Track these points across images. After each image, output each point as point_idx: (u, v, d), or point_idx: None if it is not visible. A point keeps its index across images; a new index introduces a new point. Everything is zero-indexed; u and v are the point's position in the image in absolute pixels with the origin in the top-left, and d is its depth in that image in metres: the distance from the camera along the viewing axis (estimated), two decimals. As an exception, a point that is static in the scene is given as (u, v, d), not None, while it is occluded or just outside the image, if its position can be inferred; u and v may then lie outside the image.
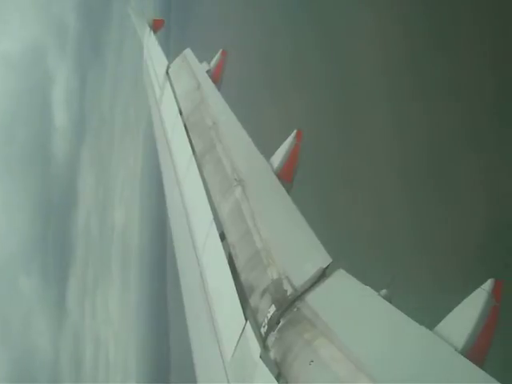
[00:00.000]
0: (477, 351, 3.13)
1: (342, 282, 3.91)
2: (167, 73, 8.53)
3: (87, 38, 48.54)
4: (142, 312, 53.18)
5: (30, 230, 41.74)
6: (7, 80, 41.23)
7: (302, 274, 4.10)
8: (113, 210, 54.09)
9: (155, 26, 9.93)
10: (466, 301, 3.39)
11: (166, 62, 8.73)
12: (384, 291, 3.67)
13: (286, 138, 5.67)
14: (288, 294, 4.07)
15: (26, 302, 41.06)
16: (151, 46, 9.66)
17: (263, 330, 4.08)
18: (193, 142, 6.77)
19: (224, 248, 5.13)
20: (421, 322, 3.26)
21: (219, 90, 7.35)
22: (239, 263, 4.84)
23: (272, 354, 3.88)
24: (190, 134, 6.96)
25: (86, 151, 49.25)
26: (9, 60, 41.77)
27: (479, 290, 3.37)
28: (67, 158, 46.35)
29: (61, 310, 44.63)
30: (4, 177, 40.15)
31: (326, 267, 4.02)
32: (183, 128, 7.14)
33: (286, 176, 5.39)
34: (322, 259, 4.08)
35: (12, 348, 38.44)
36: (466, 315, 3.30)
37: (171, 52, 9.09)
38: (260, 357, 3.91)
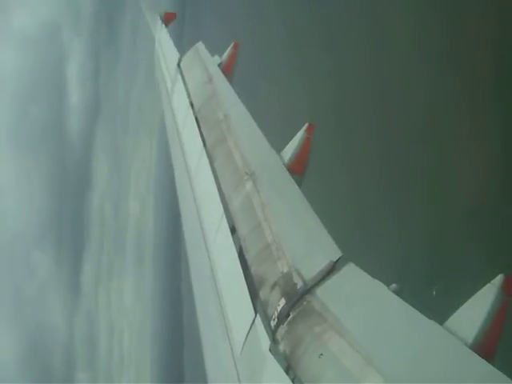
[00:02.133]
0: (486, 346, 3.12)
1: (352, 276, 3.90)
2: (179, 66, 8.52)
3: (103, 19, 48.61)
4: (156, 303, 53.37)
5: (42, 209, 41.89)
6: (24, 55, 41.41)
7: (312, 268, 4.10)
8: (128, 198, 54.21)
9: (167, 19, 9.92)
10: (476, 296, 3.38)
11: (177, 55, 8.73)
12: (394, 285, 3.67)
13: (298, 130, 5.67)
14: (298, 287, 4.08)
15: (39, 279, 41.31)
16: (163, 39, 9.66)
17: (273, 323, 4.08)
18: (204, 134, 6.78)
19: (234, 241, 5.13)
20: (430, 317, 3.26)
21: (231, 82, 7.34)
22: (249, 256, 4.85)
23: (281, 347, 3.89)
24: (201, 126, 6.96)
25: (101, 134, 49.34)
26: (26, 36, 41.86)
27: (489, 285, 3.35)
28: (81, 137, 46.46)
29: (75, 293, 44.89)
30: (18, 152, 40.28)
31: (336, 261, 4.01)
32: (194, 121, 7.14)
33: (297, 169, 5.38)
34: (332, 253, 4.07)
35: (25, 323, 38.75)
36: (476, 310, 3.29)
37: (185, 45, 9.06)
38: (269, 350, 3.91)
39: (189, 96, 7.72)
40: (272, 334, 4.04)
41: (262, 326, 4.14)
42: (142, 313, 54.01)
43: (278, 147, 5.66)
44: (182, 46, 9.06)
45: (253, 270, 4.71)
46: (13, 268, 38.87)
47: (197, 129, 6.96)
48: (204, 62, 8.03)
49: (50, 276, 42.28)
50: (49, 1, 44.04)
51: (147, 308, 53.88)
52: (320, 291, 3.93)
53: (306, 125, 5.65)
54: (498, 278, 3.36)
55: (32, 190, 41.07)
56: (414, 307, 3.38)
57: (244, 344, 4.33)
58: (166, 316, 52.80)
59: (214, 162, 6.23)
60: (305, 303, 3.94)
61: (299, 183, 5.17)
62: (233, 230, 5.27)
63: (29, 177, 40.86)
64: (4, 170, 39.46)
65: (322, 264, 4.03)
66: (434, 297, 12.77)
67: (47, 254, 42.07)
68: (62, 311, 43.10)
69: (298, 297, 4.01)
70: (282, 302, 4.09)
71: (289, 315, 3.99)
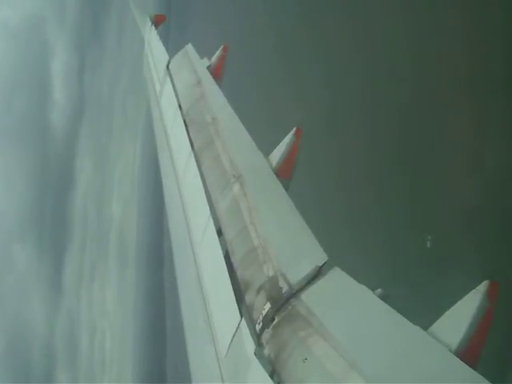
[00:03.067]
0: (470, 352, 3.13)
1: (338, 281, 3.91)
2: (168, 68, 8.51)
3: (88, 16, 48.34)
4: (139, 305, 53.15)
5: (23, 204, 41.50)
6: (6, 48, 41.02)
7: (297, 272, 4.10)
8: (111, 199, 53.91)
9: (156, 21, 9.92)
10: (460, 302, 3.39)
11: (166, 57, 8.71)
12: (379, 290, 3.68)
13: (286, 134, 5.67)
14: (283, 291, 4.08)
15: (19, 274, 40.93)
16: (152, 40, 9.65)
17: (258, 327, 4.08)
18: (192, 137, 6.77)
19: (221, 244, 5.12)
20: (415, 322, 3.27)
21: (220, 85, 7.33)
22: (235, 259, 4.84)
23: (266, 351, 3.88)
24: (189, 129, 6.95)
25: (84, 132, 48.93)
26: (9, 28, 41.53)
27: (474, 291, 3.37)
28: (65, 134, 45.95)
29: (57, 292, 44.53)
30: (1, 145, 39.83)
31: (322, 265, 4.02)
32: (182, 123, 7.13)
33: (285, 173, 5.38)
34: (318, 257, 4.08)
35: (4, 318, 38.34)
36: (461, 316, 3.31)
37: (170, 47, 9.05)
38: (254, 354, 3.91)
39: (177, 98, 7.70)
40: (257, 337, 4.04)
41: (247, 330, 4.13)
42: (124, 315, 53.83)
43: (266, 151, 5.65)
44: (168, 48, 9.03)
45: (239, 273, 4.70)
46: None
47: (185, 131, 6.95)
48: (193, 64, 8.02)
49: (31, 272, 41.91)
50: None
51: (129, 310, 53.73)
52: (305, 295, 3.93)
53: (294, 129, 5.66)
54: (483, 284, 3.38)
55: (13, 185, 40.66)
56: (399, 312, 3.38)
57: (229, 347, 4.32)
58: (148, 318, 52.65)
59: (201, 164, 6.23)
60: (290, 307, 3.94)
61: (286, 187, 5.17)
62: (219, 233, 5.26)
63: (9, 171, 40.42)
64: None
65: (307, 268, 4.03)
66: (427, 249, 12.96)
67: (28, 250, 41.70)
68: (43, 308, 42.78)
69: (284, 301, 4.01)
70: (268, 305, 4.09)
71: (274, 319, 3.99)
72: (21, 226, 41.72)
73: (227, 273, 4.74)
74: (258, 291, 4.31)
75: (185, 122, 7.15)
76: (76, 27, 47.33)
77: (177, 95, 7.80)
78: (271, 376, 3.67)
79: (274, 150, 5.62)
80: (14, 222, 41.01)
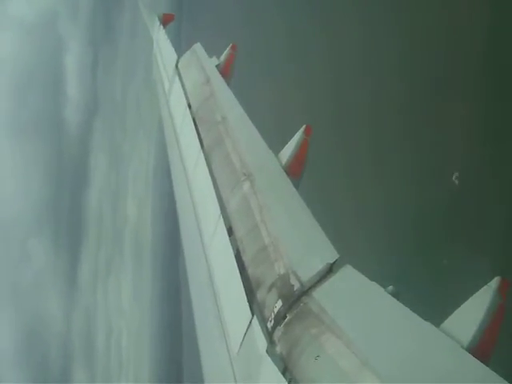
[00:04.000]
0: (482, 349, 3.13)
1: (349, 278, 3.91)
2: (176, 67, 8.53)
3: (101, 14, 48.37)
4: (155, 304, 53.18)
5: (39, 198, 41.39)
6: (21, 44, 41.10)
7: (309, 269, 4.10)
8: (126, 197, 53.88)
9: (165, 20, 9.95)
10: (472, 298, 3.39)
11: (175, 56, 8.73)
12: (391, 287, 3.68)
13: (296, 132, 5.67)
14: (295, 288, 4.08)
15: (36, 267, 40.97)
16: (161, 40, 9.67)
17: (269, 325, 4.09)
18: (201, 136, 6.78)
19: (231, 243, 5.13)
20: (427, 319, 3.27)
21: (229, 84, 7.34)
22: (246, 258, 4.85)
23: (278, 349, 3.89)
24: (199, 128, 6.96)
25: (99, 130, 48.76)
26: (23, 24, 41.58)
27: (486, 287, 3.37)
28: (79, 130, 45.76)
29: (72, 287, 44.58)
30: (15, 140, 39.90)
31: (333, 262, 4.02)
32: (192, 122, 7.15)
33: (295, 171, 5.38)
34: (329, 254, 4.08)
35: (21, 313, 38.43)
36: (473, 312, 3.30)
37: (182, 46, 9.08)
38: (266, 351, 3.92)
39: (186, 97, 7.72)
40: (269, 335, 4.04)
41: (259, 328, 4.14)
42: (140, 313, 53.87)
43: (276, 149, 5.66)
44: (180, 46, 9.05)
45: (250, 271, 4.71)
46: (9, 254, 38.51)
47: (194, 130, 6.96)
48: (202, 63, 8.03)
49: (47, 265, 41.97)
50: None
51: (145, 308, 53.76)
52: (317, 293, 3.93)
53: (304, 126, 5.66)
54: (495, 281, 3.37)
55: (29, 179, 40.65)
56: (411, 309, 3.39)
57: (241, 345, 4.34)
58: (165, 317, 52.66)
59: (211, 163, 6.24)
60: (301, 305, 3.94)
61: (297, 185, 5.17)
62: (230, 232, 5.27)
63: (25, 165, 40.41)
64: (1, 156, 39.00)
65: (319, 266, 4.03)
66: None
67: (44, 244, 41.75)
68: (59, 303, 42.82)
69: (295, 298, 4.01)
70: (279, 303, 4.10)
71: (285, 317, 4.00)
72: (37, 221, 41.73)
73: (238, 271, 4.76)
74: (270, 289, 4.31)
75: (194, 120, 7.16)
76: (89, 23, 47.28)
77: (186, 94, 7.81)
78: (283, 373, 3.68)
79: (284, 148, 5.62)
80: (30, 218, 41.00)
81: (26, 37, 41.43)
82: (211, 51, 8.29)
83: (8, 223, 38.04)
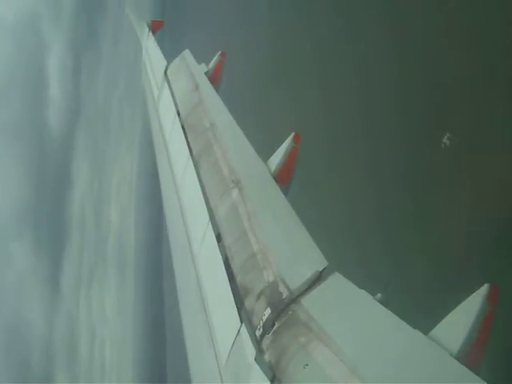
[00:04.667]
0: (472, 356, 3.13)
1: (338, 286, 3.90)
2: (165, 74, 8.52)
3: (84, 19, 48.28)
4: (138, 311, 52.99)
5: (20, 201, 41.12)
6: (3, 44, 40.90)
7: (297, 277, 4.09)
8: (109, 205, 53.72)
9: (154, 27, 9.94)
10: (461, 305, 3.38)
11: (164, 63, 8.72)
12: (379, 295, 3.67)
13: (285, 139, 5.67)
14: (283, 296, 4.07)
15: (17, 271, 40.59)
16: (150, 46, 9.66)
17: (258, 333, 4.07)
18: (190, 143, 6.77)
19: (220, 250, 5.11)
20: (416, 327, 3.26)
21: (218, 91, 7.34)
22: (235, 265, 4.83)
23: (267, 357, 3.87)
24: (188, 135, 6.95)
25: (81, 136, 48.72)
26: (4, 24, 41.39)
27: (475, 294, 3.37)
28: (61, 134, 45.70)
29: (55, 292, 44.21)
30: None
31: (322, 270, 4.01)
32: (181, 129, 7.13)
33: (284, 178, 5.38)
34: (318, 262, 4.07)
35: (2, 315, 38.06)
36: (462, 320, 3.30)
37: (166, 53, 9.06)
38: (255, 359, 3.90)
39: (175, 104, 7.71)
40: (257, 343, 4.03)
41: (248, 336, 4.12)
42: (123, 321, 53.66)
43: (265, 156, 5.65)
44: (164, 53, 9.04)
45: (238, 279, 4.69)
46: None
47: (183, 137, 6.95)
48: (191, 69, 8.03)
49: (29, 269, 41.65)
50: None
51: (128, 315, 53.56)
52: (305, 301, 3.92)
53: (293, 134, 5.66)
54: (484, 288, 3.37)
55: (9, 182, 40.36)
56: (399, 317, 3.38)
57: (229, 353, 4.31)
58: (148, 324, 52.50)
59: (200, 170, 6.22)
60: (290, 313, 3.93)
61: (285, 192, 5.17)
62: (218, 239, 5.25)
63: (5, 167, 40.10)
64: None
65: (307, 273, 4.03)
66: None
67: (26, 250, 41.41)
68: (41, 308, 42.50)
69: (284, 306, 4.00)
70: (268, 311, 4.08)
71: (274, 325, 3.98)
72: (18, 224, 41.41)
73: (227, 278, 4.73)
74: (258, 297, 4.30)
75: (183, 127, 7.15)
76: (72, 27, 47.37)
77: (175, 101, 7.80)
78: (272, 382, 3.66)
79: (273, 156, 5.62)
80: (11, 220, 40.64)
81: (7, 37, 41.23)
82: (200, 58, 8.30)
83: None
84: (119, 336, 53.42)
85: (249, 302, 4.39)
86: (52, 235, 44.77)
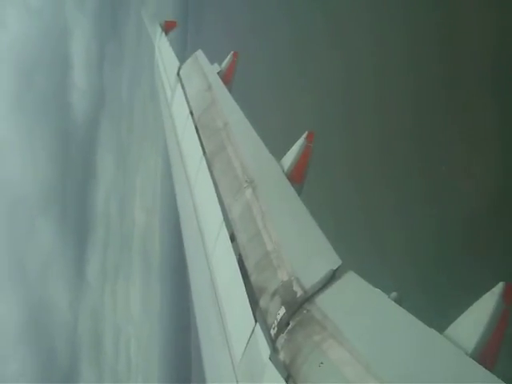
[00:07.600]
0: (487, 355, 3.11)
1: (352, 284, 3.89)
2: (178, 74, 8.55)
3: (108, 14, 48.45)
4: (163, 311, 52.99)
5: (46, 181, 40.95)
6: (28, 26, 40.98)
7: (311, 276, 4.09)
8: (133, 203, 53.69)
9: (167, 28, 9.96)
10: (476, 304, 3.37)
11: (177, 64, 8.74)
12: (394, 294, 3.66)
13: (298, 138, 5.67)
14: (298, 295, 4.07)
15: (43, 249, 40.53)
16: (163, 47, 9.69)
17: (273, 332, 4.07)
18: (203, 143, 6.78)
19: (234, 249, 5.12)
20: (431, 325, 3.25)
21: (231, 90, 7.35)
22: (249, 264, 4.84)
23: (281, 356, 3.87)
24: (201, 135, 6.97)
25: (105, 129, 48.72)
26: (30, 6, 41.57)
27: (490, 292, 3.35)
28: (86, 118, 45.79)
29: (80, 279, 44.10)
30: (22, 121, 39.56)
31: (336, 269, 4.01)
32: (194, 129, 7.15)
33: (297, 177, 5.37)
34: (332, 261, 4.07)
35: (28, 296, 38.02)
36: (477, 318, 3.28)
37: (189, 54, 9.08)
38: (269, 359, 3.90)
39: (188, 104, 7.73)
40: (272, 342, 4.03)
41: (262, 335, 4.12)
42: (149, 319, 53.72)
43: (278, 155, 5.66)
44: (187, 54, 9.05)
45: (252, 278, 4.70)
46: (15, 233, 38.11)
47: (196, 137, 6.96)
48: (203, 69, 8.05)
49: (55, 248, 41.53)
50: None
51: (154, 315, 53.61)
52: (320, 300, 3.92)
53: (306, 133, 5.66)
54: (499, 286, 3.35)
55: (36, 162, 40.28)
56: (414, 316, 3.37)
57: (244, 353, 4.31)
58: (174, 323, 52.49)
59: (213, 170, 6.23)
60: (304, 312, 3.93)
61: (299, 191, 5.16)
62: (232, 238, 5.26)
63: (33, 146, 40.10)
64: (8, 137, 38.49)
65: (321, 272, 4.02)
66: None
67: (51, 226, 41.29)
68: (66, 294, 42.41)
69: (298, 305, 4.00)
70: (282, 310, 4.08)
71: (289, 324, 3.98)
72: (44, 200, 41.30)
73: (241, 278, 4.74)
74: (273, 296, 4.30)
75: (196, 127, 7.17)
76: (97, 15, 47.47)
77: (188, 101, 7.82)
78: (286, 381, 3.66)
79: (286, 155, 5.62)
80: (37, 204, 40.57)
81: (32, 19, 41.30)
82: (215, 58, 8.31)
83: (16, 204, 37.75)
84: (145, 335, 53.44)
85: (263, 301, 4.39)
86: (76, 223, 44.65)
